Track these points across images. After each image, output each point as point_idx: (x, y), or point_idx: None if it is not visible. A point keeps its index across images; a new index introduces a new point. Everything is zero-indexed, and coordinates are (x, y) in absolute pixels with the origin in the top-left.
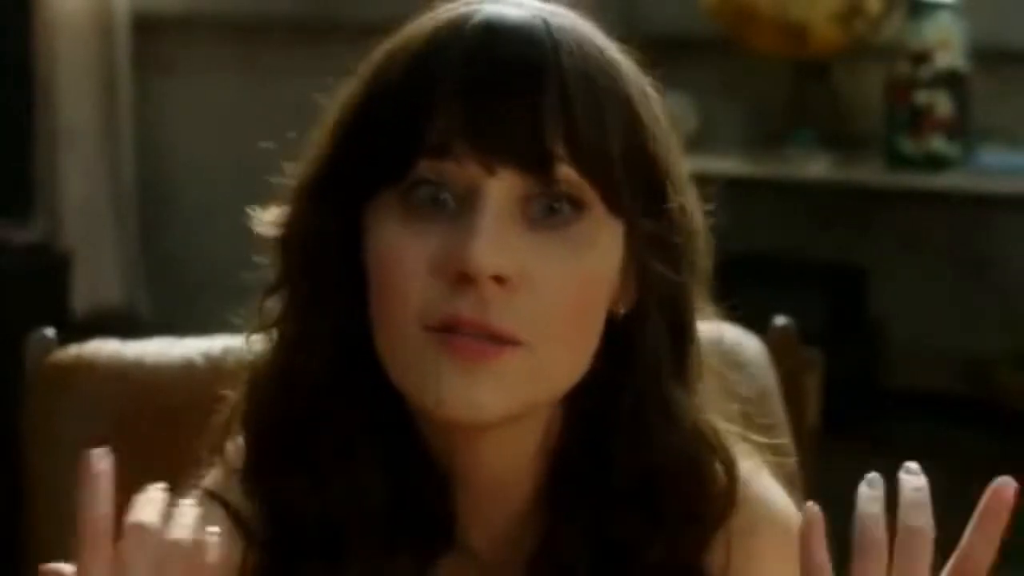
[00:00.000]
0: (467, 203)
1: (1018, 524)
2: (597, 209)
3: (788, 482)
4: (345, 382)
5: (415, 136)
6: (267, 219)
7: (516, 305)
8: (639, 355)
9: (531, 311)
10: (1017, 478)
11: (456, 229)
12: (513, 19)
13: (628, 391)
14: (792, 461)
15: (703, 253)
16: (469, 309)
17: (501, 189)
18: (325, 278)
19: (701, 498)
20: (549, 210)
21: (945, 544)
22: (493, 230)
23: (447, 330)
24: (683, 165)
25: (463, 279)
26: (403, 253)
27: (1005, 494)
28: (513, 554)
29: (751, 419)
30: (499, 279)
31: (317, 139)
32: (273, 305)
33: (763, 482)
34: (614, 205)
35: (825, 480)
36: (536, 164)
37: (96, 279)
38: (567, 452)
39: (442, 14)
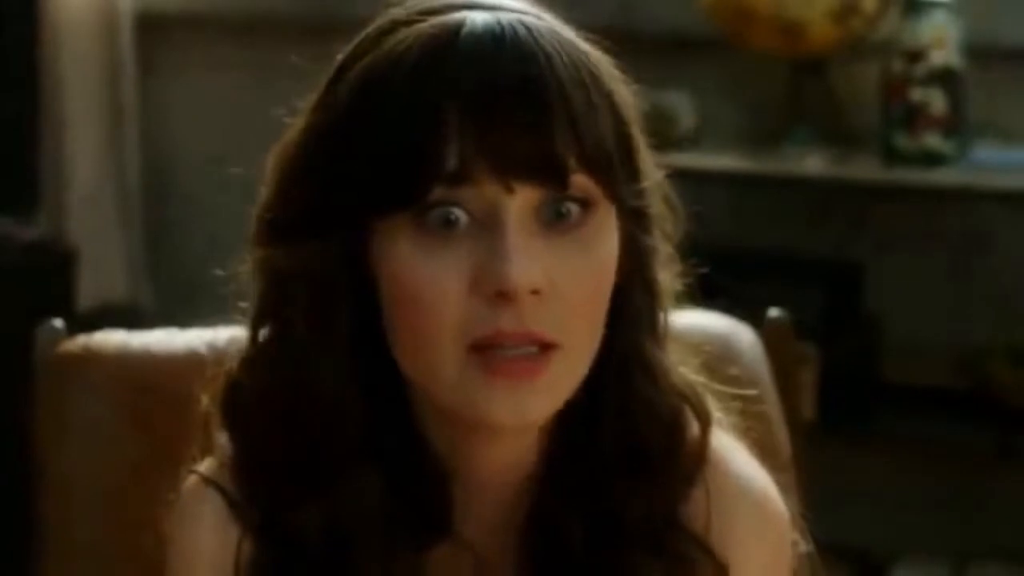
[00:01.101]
0: (486, 221)
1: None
2: (602, 204)
3: (767, 451)
4: (351, 392)
5: (430, 163)
6: (259, 255)
7: (548, 311)
8: (624, 320)
9: (561, 314)
10: (1013, 472)
11: (482, 248)
12: (500, 29)
13: (615, 356)
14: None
15: (668, 215)
16: (510, 323)
17: (519, 205)
18: (332, 303)
19: (679, 451)
20: (558, 213)
21: (944, 539)
22: (522, 246)
23: (492, 347)
24: (641, 131)
25: (501, 296)
26: (430, 276)
27: None
28: (505, 537)
29: (713, 370)
30: (534, 291)
31: (295, 162)
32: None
33: (740, 458)
34: (614, 195)
35: (821, 474)
36: (553, 176)
37: (100, 275)
38: (560, 431)
39: (423, 29)
